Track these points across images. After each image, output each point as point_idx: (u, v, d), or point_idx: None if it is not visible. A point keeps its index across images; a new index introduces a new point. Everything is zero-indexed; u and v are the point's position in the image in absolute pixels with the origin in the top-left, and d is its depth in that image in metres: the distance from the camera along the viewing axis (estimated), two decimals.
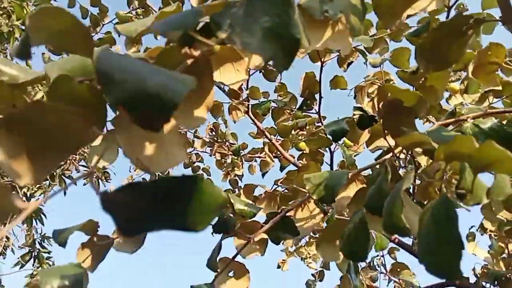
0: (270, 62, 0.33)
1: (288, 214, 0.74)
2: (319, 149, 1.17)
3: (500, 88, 0.71)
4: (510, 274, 1.10)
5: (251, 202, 0.79)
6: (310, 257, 1.92)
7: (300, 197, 0.80)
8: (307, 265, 1.93)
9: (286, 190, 0.85)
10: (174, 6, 0.40)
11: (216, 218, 0.58)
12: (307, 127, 1.01)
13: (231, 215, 0.63)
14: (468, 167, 0.44)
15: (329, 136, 0.83)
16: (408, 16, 0.50)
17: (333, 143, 0.94)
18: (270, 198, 0.82)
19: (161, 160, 0.36)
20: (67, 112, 0.27)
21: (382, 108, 0.55)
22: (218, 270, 0.65)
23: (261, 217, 0.74)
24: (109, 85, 0.24)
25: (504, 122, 0.71)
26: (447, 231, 0.31)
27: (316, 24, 0.51)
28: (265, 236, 0.74)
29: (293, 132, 1.11)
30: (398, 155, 0.58)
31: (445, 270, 0.31)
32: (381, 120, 0.56)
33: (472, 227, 1.49)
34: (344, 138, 0.86)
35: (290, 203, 0.78)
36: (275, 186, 0.89)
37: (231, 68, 0.49)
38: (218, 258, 0.69)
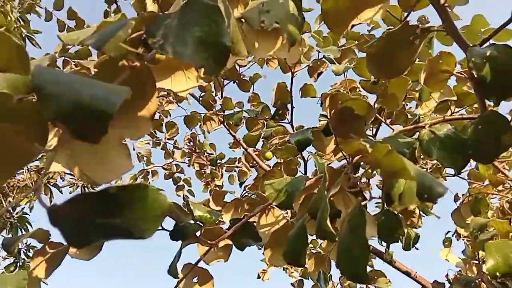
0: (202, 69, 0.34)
1: (252, 220, 0.75)
2: (292, 158, 1.18)
3: (455, 98, 0.73)
4: (480, 280, 1.11)
5: (215, 208, 0.79)
6: (292, 267, 1.92)
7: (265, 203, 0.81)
8: (289, 275, 1.93)
9: (254, 196, 0.86)
10: (118, 16, 0.42)
11: (173, 226, 0.59)
12: (276, 137, 1.03)
13: (192, 222, 0.64)
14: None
15: (294, 146, 0.85)
16: (353, 26, 0.52)
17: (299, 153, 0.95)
18: (237, 204, 0.83)
19: (105, 171, 0.37)
20: (8, 130, 0.28)
21: (333, 115, 0.57)
22: (179, 276, 0.65)
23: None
24: (46, 100, 0.25)
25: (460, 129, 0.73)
26: (356, 237, 0.33)
27: (265, 34, 0.53)
28: (230, 242, 0.74)
29: (265, 141, 1.12)
30: (352, 163, 0.60)
31: (354, 274, 0.32)
32: (333, 128, 0.58)
33: (448, 232, 1.52)
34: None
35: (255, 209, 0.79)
36: (244, 192, 0.90)
37: (182, 76, 0.51)
38: (183, 265, 0.70)
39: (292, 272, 1.94)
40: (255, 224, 0.75)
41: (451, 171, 1.62)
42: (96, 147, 0.37)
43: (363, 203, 0.46)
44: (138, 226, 0.27)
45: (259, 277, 1.83)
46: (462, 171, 1.51)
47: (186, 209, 0.66)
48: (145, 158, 1.83)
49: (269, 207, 0.77)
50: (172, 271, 0.65)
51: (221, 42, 0.34)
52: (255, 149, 1.32)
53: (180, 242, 0.65)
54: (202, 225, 0.65)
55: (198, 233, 0.69)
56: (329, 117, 0.58)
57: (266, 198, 0.84)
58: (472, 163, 1.18)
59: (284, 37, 0.47)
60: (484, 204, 0.97)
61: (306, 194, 0.64)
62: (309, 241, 0.53)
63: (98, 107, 0.25)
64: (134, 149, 1.86)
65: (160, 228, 0.61)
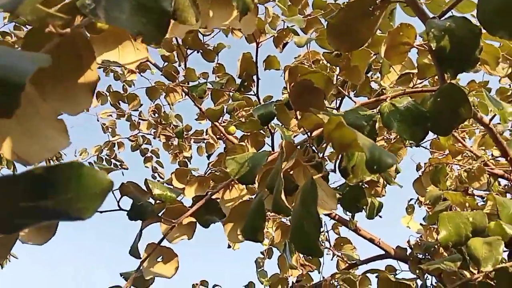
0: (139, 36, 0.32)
1: (216, 196, 0.75)
2: (260, 131, 1.17)
3: (415, 70, 0.73)
4: (438, 244, 1.16)
5: (178, 186, 0.78)
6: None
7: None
8: (262, 244, 1.97)
9: (218, 172, 0.85)
10: None
11: (131, 205, 0.57)
12: (242, 110, 1.01)
13: (151, 201, 0.62)
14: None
15: (258, 120, 0.83)
16: None
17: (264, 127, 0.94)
18: (200, 181, 0.82)
19: (38, 149, 0.34)
20: None
21: (293, 89, 0.56)
22: (141, 256, 0.64)
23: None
24: None
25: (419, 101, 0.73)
26: (308, 213, 0.32)
27: (219, 3, 0.50)
28: (193, 219, 0.74)
29: (232, 114, 1.10)
30: (311, 137, 0.59)
31: (307, 248, 0.32)
32: (292, 102, 0.57)
33: (411, 200, 1.57)
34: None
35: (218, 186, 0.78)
36: (208, 169, 0.89)
37: (131, 47, 0.48)
38: (146, 244, 0.69)
39: (264, 243, 1.97)
40: (218, 200, 0.74)
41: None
42: (27, 122, 0.34)
43: (319, 176, 0.45)
44: (74, 207, 0.25)
45: (229, 246, 1.85)
46: (425, 141, 1.55)
47: (145, 189, 0.64)
48: (110, 129, 1.78)
49: (232, 182, 0.76)
50: (133, 252, 0.64)
51: (161, 6, 0.31)
52: (222, 122, 1.30)
53: (139, 222, 0.64)
54: (161, 203, 0.63)
55: (160, 212, 0.68)
56: (288, 90, 0.56)
57: (227, 174, 0.83)
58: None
59: (236, 6, 0.44)
60: (443, 173, 1.00)
61: (267, 169, 0.63)
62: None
63: (7, 77, 0.22)
64: (98, 120, 1.80)
65: (118, 208, 0.60)
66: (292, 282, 1.21)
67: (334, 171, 0.48)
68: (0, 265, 2.40)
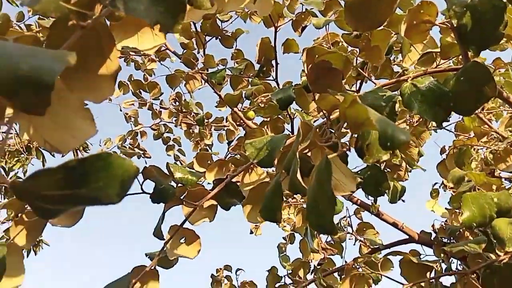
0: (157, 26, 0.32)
1: (236, 179, 0.76)
2: (279, 116, 1.17)
3: (438, 49, 0.71)
4: (463, 228, 1.14)
5: (199, 170, 0.79)
6: (284, 221, 1.97)
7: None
8: (282, 229, 1.98)
9: (238, 156, 0.86)
10: None
11: (153, 188, 0.58)
12: (261, 96, 1.01)
13: (173, 184, 0.64)
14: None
15: (276, 104, 0.83)
16: None
17: (283, 111, 0.94)
18: (220, 165, 0.83)
19: (69, 138, 0.36)
20: None
21: (310, 70, 0.55)
22: (165, 238, 0.66)
23: None
24: None
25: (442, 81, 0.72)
26: (322, 191, 0.32)
27: None
28: (214, 202, 0.75)
29: (252, 99, 1.10)
30: (329, 118, 0.59)
31: (321, 226, 0.32)
32: (310, 83, 0.56)
33: (435, 184, 1.54)
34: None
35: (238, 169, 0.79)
36: (228, 153, 0.90)
37: (149, 33, 0.48)
38: (169, 226, 0.71)
39: (284, 226, 1.99)
40: (238, 183, 0.75)
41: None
42: (56, 114, 0.36)
43: (336, 155, 0.45)
44: (105, 193, 0.26)
45: (251, 232, 1.87)
46: (449, 123, 1.50)
47: (167, 172, 0.66)
48: (132, 119, 1.81)
49: (252, 166, 0.77)
50: (157, 233, 0.66)
51: None
52: (242, 108, 1.30)
53: (162, 204, 0.65)
54: (182, 186, 0.65)
55: (182, 195, 0.70)
56: (306, 72, 0.56)
57: (247, 158, 0.84)
58: (460, 115, 1.18)
59: None
60: (468, 156, 0.98)
61: (284, 151, 0.64)
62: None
63: (37, 77, 0.23)
64: (120, 110, 1.84)
65: (141, 191, 0.61)
66: (314, 265, 1.22)
67: (349, 149, 0.47)
68: (33, 251, 2.50)
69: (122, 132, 1.95)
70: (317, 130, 0.55)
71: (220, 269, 1.65)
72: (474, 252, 0.74)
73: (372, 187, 1.06)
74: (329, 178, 0.32)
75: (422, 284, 0.70)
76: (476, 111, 1.14)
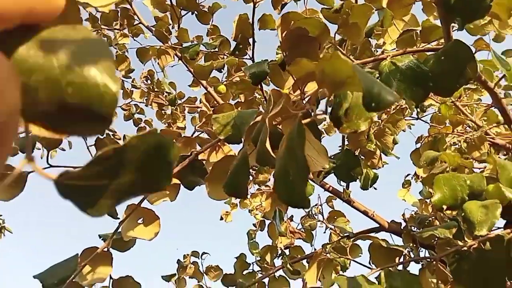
0: None
1: (201, 157, 0.71)
2: (254, 97, 1.13)
3: (419, 28, 0.68)
4: (433, 217, 1.14)
5: None
6: (256, 209, 1.95)
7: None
8: (254, 216, 1.95)
9: (205, 134, 0.82)
10: None
11: None
12: (236, 74, 0.96)
13: None
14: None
15: (249, 79, 0.79)
16: None
17: (256, 87, 0.90)
18: (186, 143, 0.78)
19: None
20: None
21: (285, 38, 0.51)
22: (119, 217, 0.62)
23: None
24: None
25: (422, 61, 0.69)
26: (293, 158, 0.29)
27: None
28: (177, 181, 0.70)
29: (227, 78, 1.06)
30: (303, 89, 0.55)
31: (293, 198, 0.29)
32: (284, 50, 0.52)
33: (408, 175, 1.55)
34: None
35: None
36: (195, 132, 0.85)
37: None
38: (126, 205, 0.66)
39: (256, 214, 1.96)
40: (204, 162, 0.71)
41: (413, 115, 1.63)
42: None
43: (307, 121, 0.41)
44: (158, 178, 0.23)
45: (221, 218, 1.83)
46: (425, 114, 1.50)
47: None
48: None
49: (219, 144, 0.73)
50: (110, 211, 0.61)
51: None
52: (215, 89, 1.25)
53: None
54: None
55: None
56: (280, 39, 0.52)
57: (215, 135, 0.80)
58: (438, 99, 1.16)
59: None
60: (442, 143, 0.97)
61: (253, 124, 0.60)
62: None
63: None
64: None
65: None
66: (281, 249, 1.20)
67: (325, 112, 0.44)
68: None
69: None
70: (290, 99, 0.51)
71: (187, 255, 1.61)
72: (444, 237, 0.73)
73: (345, 171, 1.04)
74: (302, 144, 0.29)
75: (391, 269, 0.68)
76: (453, 100, 1.14)
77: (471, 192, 0.62)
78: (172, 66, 1.24)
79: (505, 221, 0.71)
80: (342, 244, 0.92)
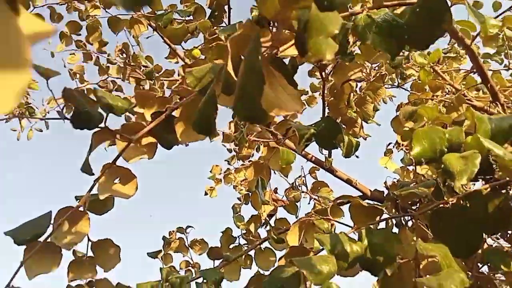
0: None
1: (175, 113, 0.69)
2: None
3: None
4: (415, 184, 1.14)
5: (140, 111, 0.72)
6: (241, 184, 1.95)
7: None
8: (239, 192, 1.95)
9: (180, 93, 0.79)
10: None
11: (73, 112, 0.51)
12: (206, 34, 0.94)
13: (101, 111, 0.57)
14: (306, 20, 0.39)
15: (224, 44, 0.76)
16: None
17: None
18: (162, 102, 0.76)
19: None
20: None
21: None
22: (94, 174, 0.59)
23: None
24: None
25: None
26: (251, 68, 0.27)
27: None
28: (154, 140, 0.68)
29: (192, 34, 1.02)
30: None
31: (250, 112, 0.27)
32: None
33: (389, 144, 1.55)
34: None
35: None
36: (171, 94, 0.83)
37: None
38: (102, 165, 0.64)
39: (241, 190, 1.96)
40: None
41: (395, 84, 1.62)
42: None
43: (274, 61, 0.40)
44: None
45: (206, 194, 1.82)
46: (405, 82, 1.49)
47: (94, 99, 0.58)
48: (78, 76, 1.68)
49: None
50: (85, 168, 0.59)
51: None
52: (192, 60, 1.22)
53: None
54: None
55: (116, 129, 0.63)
56: None
57: (190, 93, 0.77)
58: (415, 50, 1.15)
59: None
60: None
61: None
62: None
63: None
64: (65, 66, 1.70)
65: (59, 117, 0.54)
66: (265, 218, 1.19)
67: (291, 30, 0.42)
68: None
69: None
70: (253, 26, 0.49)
71: (173, 231, 1.59)
72: (424, 194, 0.73)
73: (326, 139, 1.03)
74: (258, 52, 0.27)
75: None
76: (432, 64, 1.13)
77: (450, 145, 0.61)
78: (147, 38, 1.20)
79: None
80: (324, 205, 0.91)
